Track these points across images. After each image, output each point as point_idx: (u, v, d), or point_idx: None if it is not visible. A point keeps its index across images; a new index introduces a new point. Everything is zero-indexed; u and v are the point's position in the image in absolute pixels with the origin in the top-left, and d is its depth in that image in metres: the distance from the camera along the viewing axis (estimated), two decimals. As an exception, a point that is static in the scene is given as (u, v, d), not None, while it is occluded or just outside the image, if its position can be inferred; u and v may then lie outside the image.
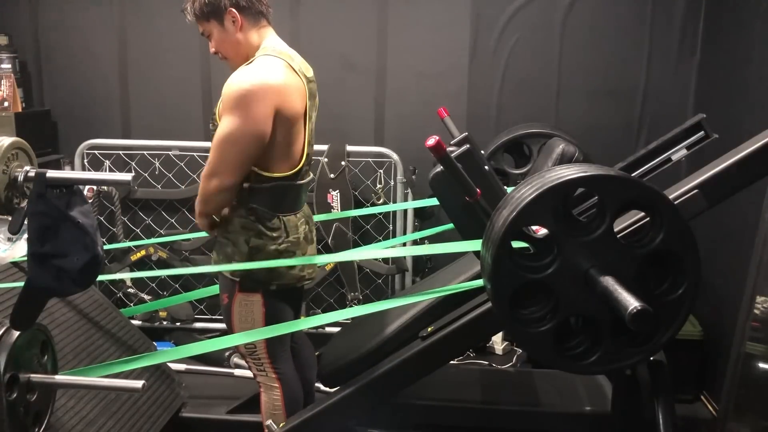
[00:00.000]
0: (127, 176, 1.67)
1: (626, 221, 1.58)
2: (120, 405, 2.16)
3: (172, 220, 3.50)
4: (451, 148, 1.81)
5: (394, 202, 3.36)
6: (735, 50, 2.88)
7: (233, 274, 2.05)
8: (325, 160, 3.27)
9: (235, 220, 2.04)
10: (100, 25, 3.48)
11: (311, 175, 2.16)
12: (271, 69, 1.93)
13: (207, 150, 2.05)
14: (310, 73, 2.11)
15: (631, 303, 1.18)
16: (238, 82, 1.91)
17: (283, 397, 2.16)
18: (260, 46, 2.03)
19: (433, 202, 2.82)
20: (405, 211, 3.35)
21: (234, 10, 1.99)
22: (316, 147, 3.15)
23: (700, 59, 3.21)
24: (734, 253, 2.71)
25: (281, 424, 2.12)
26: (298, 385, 2.22)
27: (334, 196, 3.28)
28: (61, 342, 2.07)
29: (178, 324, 3.47)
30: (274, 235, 2.02)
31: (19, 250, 2.28)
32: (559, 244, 1.36)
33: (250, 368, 2.22)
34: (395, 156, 3.29)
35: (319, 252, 3.33)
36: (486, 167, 1.85)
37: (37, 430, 1.75)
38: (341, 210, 3.27)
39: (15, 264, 2.22)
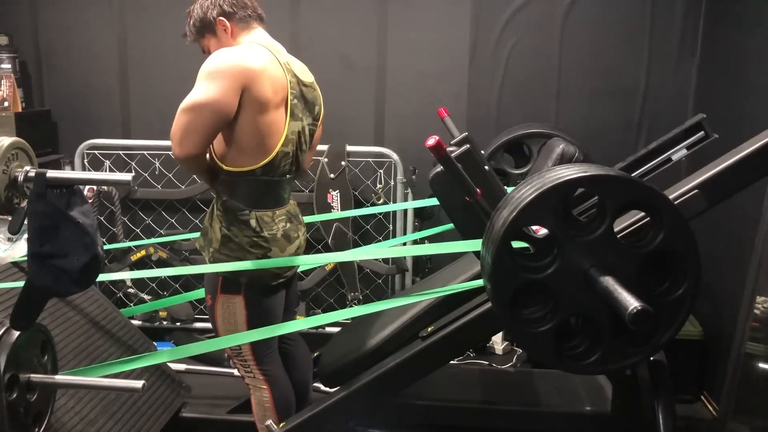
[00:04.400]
0: (127, 176, 1.67)
1: (626, 221, 1.58)
2: (120, 405, 2.16)
3: (172, 220, 3.50)
4: (451, 148, 1.81)
5: (394, 202, 3.36)
6: (735, 50, 2.88)
7: (210, 260, 2.07)
8: (325, 160, 3.27)
9: (214, 208, 2.07)
10: (100, 25, 3.48)
11: (292, 174, 2.13)
12: (249, 52, 1.95)
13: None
14: (307, 78, 2.12)
15: (631, 303, 1.18)
16: (213, 57, 1.93)
17: (271, 397, 2.16)
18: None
19: (433, 202, 2.82)
20: (405, 211, 3.35)
21: (222, 18, 2.04)
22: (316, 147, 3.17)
23: (700, 59, 3.21)
24: (734, 253, 2.71)
25: (281, 425, 2.12)
26: (287, 385, 2.21)
27: (334, 196, 3.28)
28: (61, 342, 2.07)
29: (178, 324, 3.47)
30: (243, 227, 2.01)
31: (19, 250, 2.29)
32: (559, 244, 1.36)
33: (237, 370, 2.22)
34: (395, 156, 3.29)
35: (319, 252, 3.33)
36: (486, 167, 1.85)
37: (37, 430, 1.76)
38: (341, 210, 3.27)
39: (15, 264, 2.23)
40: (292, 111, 2.02)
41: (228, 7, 2.04)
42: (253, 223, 2.01)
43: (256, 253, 2.02)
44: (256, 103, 1.92)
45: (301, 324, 2.09)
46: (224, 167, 2.00)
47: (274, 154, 1.99)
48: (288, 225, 2.11)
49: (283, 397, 2.18)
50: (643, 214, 1.54)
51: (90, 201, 3.11)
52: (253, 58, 1.93)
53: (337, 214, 3.24)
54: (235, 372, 3.01)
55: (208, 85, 1.89)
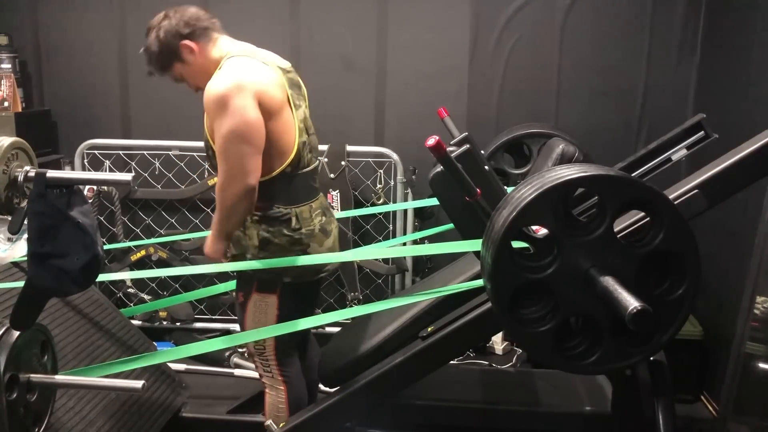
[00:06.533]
0: (127, 176, 1.67)
1: (626, 221, 1.58)
2: (120, 405, 2.16)
3: (172, 220, 3.50)
4: (451, 148, 1.81)
5: (394, 202, 3.36)
6: (735, 50, 2.88)
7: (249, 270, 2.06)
8: (325, 160, 3.27)
9: (248, 216, 2.06)
10: (100, 25, 3.48)
11: (316, 162, 2.16)
12: (241, 67, 1.95)
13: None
14: (285, 64, 2.13)
15: (631, 303, 1.18)
16: (214, 87, 1.92)
17: (287, 398, 2.18)
18: (224, 55, 2.04)
19: (433, 202, 2.81)
20: (405, 211, 3.35)
21: (185, 41, 2.01)
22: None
23: (700, 59, 3.21)
24: (734, 253, 2.71)
25: (281, 425, 2.12)
26: (303, 388, 2.23)
27: (334, 196, 3.28)
28: (61, 342, 2.07)
29: (178, 324, 3.47)
30: (283, 227, 2.03)
31: (19, 250, 2.28)
32: (559, 244, 1.36)
33: (256, 368, 2.23)
34: (395, 156, 3.29)
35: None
36: (486, 167, 1.85)
37: (37, 430, 1.75)
38: (341, 210, 3.26)
39: (15, 264, 2.22)
40: (294, 103, 2.06)
41: (185, 29, 2.01)
42: (293, 221, 2.03)
43: (296, 250, 2.04)
44: (269, 111, 1.95)
45: (301, 324, 2.08)
46: (262, 179, 2.00)
47: (296, 147, 2.03)
48: (324, 218, 2.14)
49: (298, 398, 2.19)
50: (643, 214, 1.54)
51: (90, 201, 3.11)
52: (247, 71, 1.94)
53: (337, 214, 3.23)
54: (235, 372, 3.02)
55: (234, 110, 1.88)
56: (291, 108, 2.04)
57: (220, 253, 2.08)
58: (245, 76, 1.93)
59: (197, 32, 2.02)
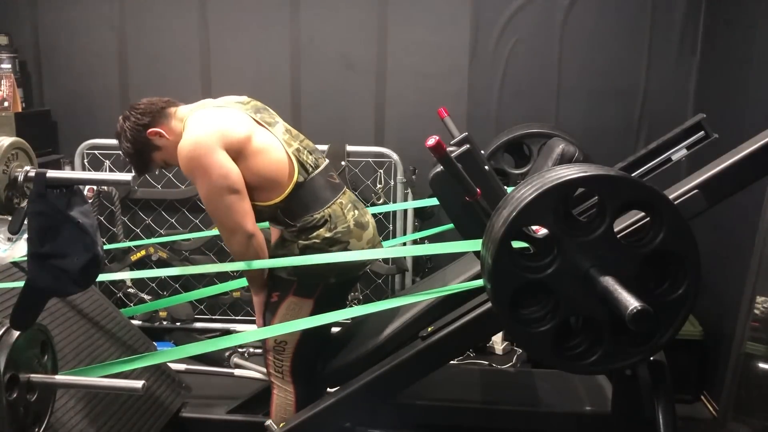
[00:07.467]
0: (127, 176, 1.67)
1: (626, 221, 1.58)
2: (120, 405, 2.16)
3: (172, 220, 3.50)
4: (451, 148, 1.82)
5: (394, 202, 3.36)
6: (735, 50, 2.88)
7: (290, 273, 2.07)
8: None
9: (282, 236, 2.11)
10: (100, 25, 3.48)
11: (325, 162, 2.18)
12: (198, 123, 2.00)
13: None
14: (242, 98, 2.18)
15: (631, 303, 1.18)
16: (182, 150, 1.97)
17: (295, 401, 2.18)
18: (184, 121, 2.08)
19: (433, 202, 2.81)
20: (405, 211, 3.35)
21: (151, 130, 2.06)
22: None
23: (700, 59, 3.21)
24: (734, 253, 2.71)
25: (281, 425, 2.12)
26: (309, 392, 2.22)
27: (334, 196, 3.28)
28: (61, 342, 2.07)
29: (178, 324, 3.47)
30: (321, 230, 2.04)
31: (19, 250, 2.28)
32: (559, 244, 1.36)
33: (266, 365, 2.23)
34: (395, 156, 3.29)
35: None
36: (486, 167, 1.85)
37: (37, 430, 1.75)
38: (341, 210, 3.26)
39: (15, 264, 2.22)
40: (265, 123, 2.08)
41: (145, 118, 2.06)
42: (329, 222, 2.05)
43: (337, 250, 2.06)
44: (239, 147, 1.98)
45: (300, 324, 2.08)
46: (279, 201, 2.03)
47: (293, 157, 2.05)
48: (356, 212, 2.15)
49: (306, 401, 2.19)
50: (643, 214, 1.54)
51: (90, 201, 3.11)
52: (205, 124, 1.99)
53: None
54: (235, 372, 3.02)
55: (205, 168, 1.94)
56: (265, 129, 2.07)
57: (263, 297, 2.16)
58: (204, 129, 1.97)
59: (156, 116, 2.07)
